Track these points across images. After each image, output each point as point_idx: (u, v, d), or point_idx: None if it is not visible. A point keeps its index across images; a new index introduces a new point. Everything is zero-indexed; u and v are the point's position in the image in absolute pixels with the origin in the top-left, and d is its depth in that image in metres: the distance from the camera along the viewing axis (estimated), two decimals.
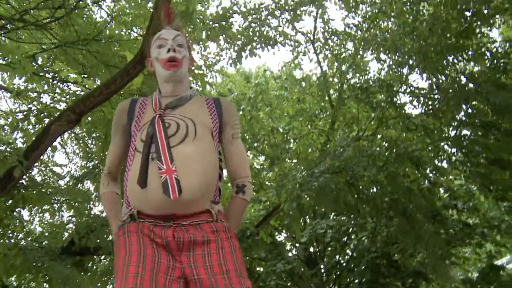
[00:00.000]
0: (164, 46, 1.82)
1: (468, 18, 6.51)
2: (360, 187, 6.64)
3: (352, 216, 8.73)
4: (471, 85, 6.51)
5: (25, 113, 5.29)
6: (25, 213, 8.10)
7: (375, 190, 6.83)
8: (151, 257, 1.47)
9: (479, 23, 6.61)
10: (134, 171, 1.60)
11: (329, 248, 10.65)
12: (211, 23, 6.97)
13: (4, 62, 5.13)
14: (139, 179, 1.57)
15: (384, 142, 7.22)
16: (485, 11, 6.45)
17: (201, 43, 7.23)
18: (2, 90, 6.77)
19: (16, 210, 6.15)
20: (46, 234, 8.02)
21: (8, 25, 5.60)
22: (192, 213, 1.57)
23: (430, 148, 7.04)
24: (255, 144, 10.67)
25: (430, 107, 6.88)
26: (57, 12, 5.47)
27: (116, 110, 1.88)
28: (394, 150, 6.64)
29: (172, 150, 1.59)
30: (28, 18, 5.53)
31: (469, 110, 6.68)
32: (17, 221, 6.55)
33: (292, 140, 10.44)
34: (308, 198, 6.02)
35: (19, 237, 6.52)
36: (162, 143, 1.59)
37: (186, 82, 1.86)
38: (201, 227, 1.57)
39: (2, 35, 5.87)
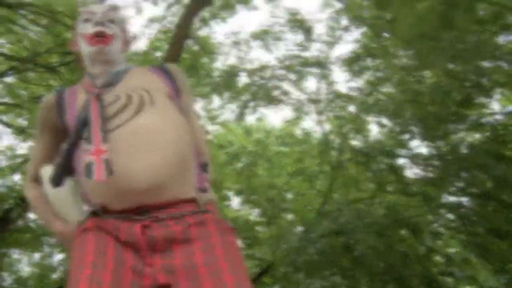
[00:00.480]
0: (91, 20, 1.49)
1: (468, 88, 6.64)
2: (356, 251, 6.56)
3: (346, 276, 8.56)
4: (470, 154, 6.55)
5: (26, 155, 5.30)
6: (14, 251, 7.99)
7: (370, 251, 6.74)
8: (112, 258, 1.14)
9: (478, 94, 6.74)
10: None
11: None
12: (216, 78, 7.11)
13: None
14: (51, 177, 1.29)
15: (382, 208, 7.18)
16: (486, 82, 6.58)
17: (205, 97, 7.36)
18: (5, 125, 6.83)
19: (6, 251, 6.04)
20: (33, 275, 7.85)
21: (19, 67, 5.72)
22: (171, 201, 1.24)
23: (428, 214, 7.01)
24: (252, 197, 10.59)
25: (430, 173, 6.91)
26: (67, 56, 5.61)
27: (40, 107, 1.52)
28: (391, 214, 6.61)
29: (125, 126, 1.27)
30: (39, 61, 5.65)
31: (468, 179, 6.69)
32: (6, 258, 6.43)
33: (289, 197, 10.38)
34: (303, 261, 5.91)
35: (6, 280, 6.37)
36: (95, 123, 1.28)
37: (119, 66, 1.51)
38: (184, 220, 1.22)
39: (12, 75, 5.98)
